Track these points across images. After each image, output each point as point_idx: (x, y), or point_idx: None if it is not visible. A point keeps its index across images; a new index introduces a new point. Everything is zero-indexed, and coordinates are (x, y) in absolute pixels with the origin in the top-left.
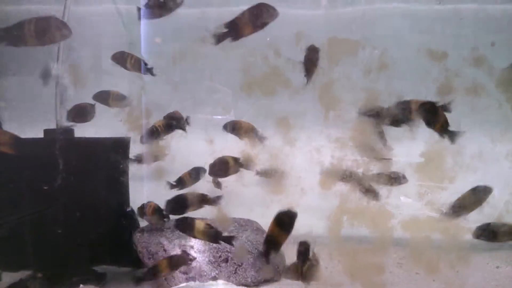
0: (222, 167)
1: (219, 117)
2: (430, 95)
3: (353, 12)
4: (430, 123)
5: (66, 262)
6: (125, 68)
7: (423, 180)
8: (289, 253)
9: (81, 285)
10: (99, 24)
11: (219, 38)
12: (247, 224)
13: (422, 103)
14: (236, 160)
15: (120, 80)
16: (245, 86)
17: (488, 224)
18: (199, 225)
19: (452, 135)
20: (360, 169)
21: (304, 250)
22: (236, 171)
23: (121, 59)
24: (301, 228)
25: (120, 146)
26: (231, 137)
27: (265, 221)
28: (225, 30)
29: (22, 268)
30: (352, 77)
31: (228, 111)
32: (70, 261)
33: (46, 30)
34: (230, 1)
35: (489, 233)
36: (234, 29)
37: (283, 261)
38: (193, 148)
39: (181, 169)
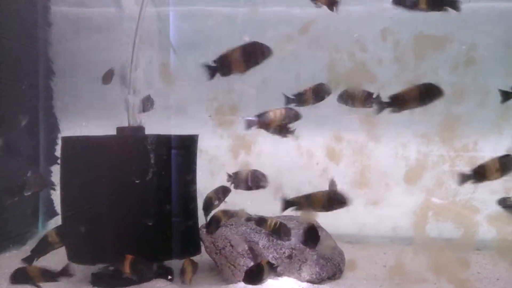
0: None
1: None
2: None
3: None
4: None
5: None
6: None
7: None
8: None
9: (169, 277)
10: None
11: None
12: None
13: None
14: None
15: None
16: (331, 82)
17: None
18: None
19: None
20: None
21: None
22: None
23: None
24: (386, 222)
25: (188, 143)
26: None
27: (350, 216)
28: None
29: (98, 262)
30: (439, 72)
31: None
32: (144, 256)
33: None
34: None
35: None
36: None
37: (343, 259)
38: None
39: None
